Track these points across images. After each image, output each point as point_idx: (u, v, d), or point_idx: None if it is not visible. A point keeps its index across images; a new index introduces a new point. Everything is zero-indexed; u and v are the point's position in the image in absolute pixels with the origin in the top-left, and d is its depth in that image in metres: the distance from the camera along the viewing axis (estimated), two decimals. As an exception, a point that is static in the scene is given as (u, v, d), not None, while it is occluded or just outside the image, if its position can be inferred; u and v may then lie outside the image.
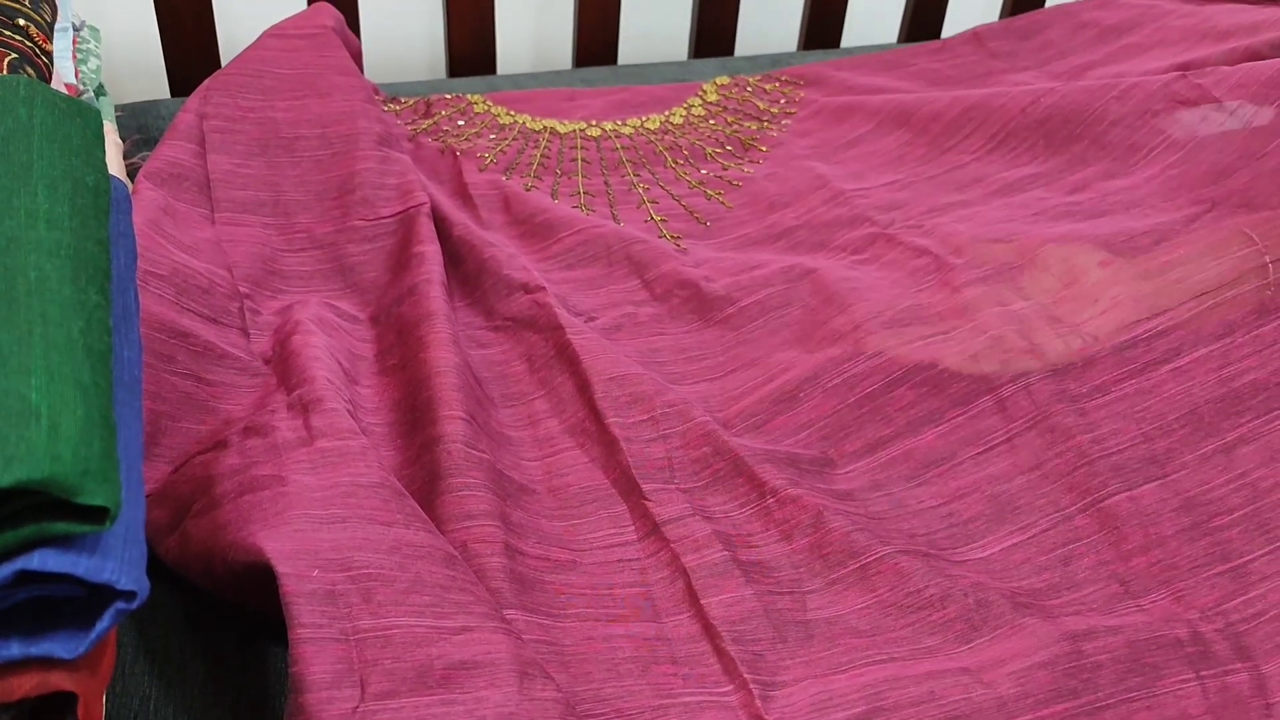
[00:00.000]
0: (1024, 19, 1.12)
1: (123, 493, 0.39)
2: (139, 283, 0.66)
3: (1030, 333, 0.73)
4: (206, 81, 0.85)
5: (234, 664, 0.57)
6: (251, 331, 0.71)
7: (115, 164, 0.76)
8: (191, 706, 0.54)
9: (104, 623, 0.39)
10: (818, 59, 1.15)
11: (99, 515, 0.37)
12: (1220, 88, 0.83)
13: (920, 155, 0.92)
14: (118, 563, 0.39)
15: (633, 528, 0.65)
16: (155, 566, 0.57)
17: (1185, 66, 0.94)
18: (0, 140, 0.47)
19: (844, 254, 0.83)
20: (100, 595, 0.39)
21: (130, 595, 0.39)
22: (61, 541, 0.38)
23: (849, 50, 1.17)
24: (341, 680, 0.48)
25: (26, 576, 0.38)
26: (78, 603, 0.40)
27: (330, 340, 0.70)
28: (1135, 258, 0.75)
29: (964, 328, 0.73)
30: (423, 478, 0.63)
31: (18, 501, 0.37)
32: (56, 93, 0.52)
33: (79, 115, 0.51)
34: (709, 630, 0.59)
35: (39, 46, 0.64)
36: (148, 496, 0.60)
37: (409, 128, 0.96)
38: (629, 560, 0.63)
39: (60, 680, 0.39)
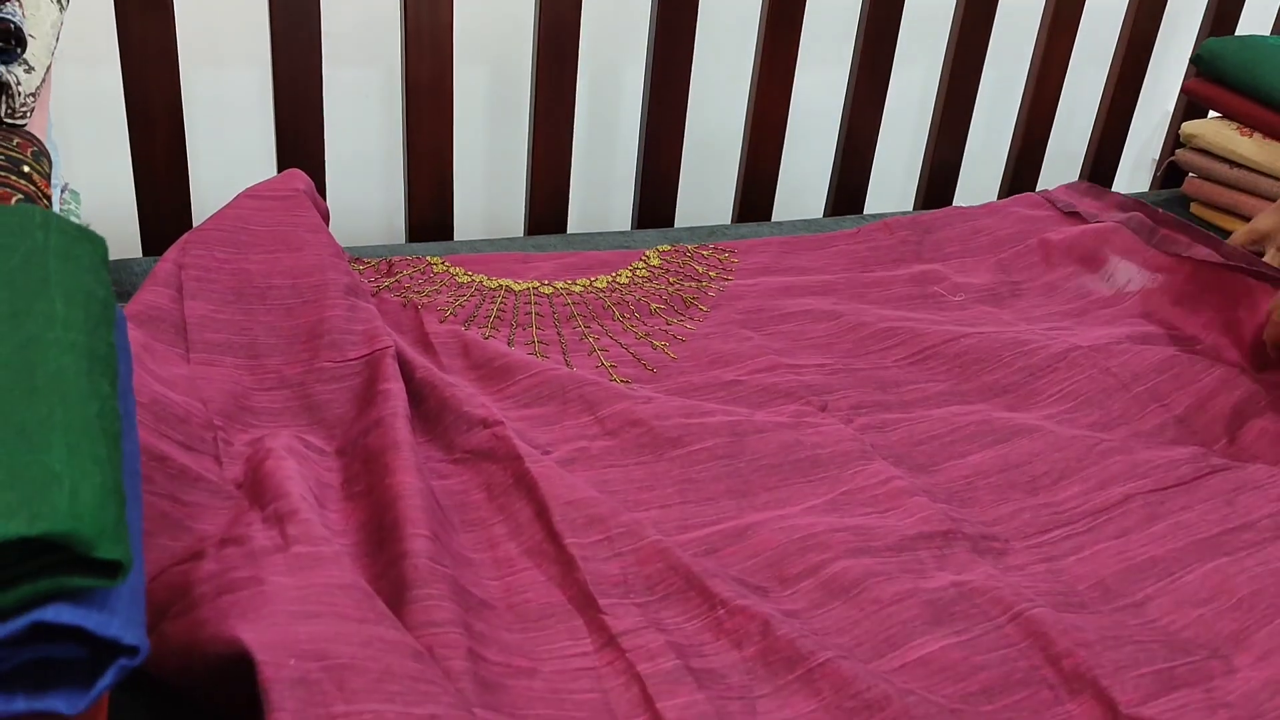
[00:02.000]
0: (926, 216, 1.25)
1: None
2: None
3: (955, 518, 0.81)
4: (185, 235, 0.90)
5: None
6: (224, 460, 0.75)
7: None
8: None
9: (107, 678, 0.41)
10: (751, 230, 1.24)
11: (112, 570, 0.41)
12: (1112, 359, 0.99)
13: (847, 349, 1.01)
14: (123, 620, 0.42)
15: (589, 640, 0.68)
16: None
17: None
18: (22, 257, 0.52)
19: (783, 416, 0.90)
20: (102, 656, 0.42)
21: (133, 651, 0.42)
22: (74, 596, 0.41)
23: (779, 223, 1.27)
24: (317, 763, 0.50)
25: (38, 631, 0.40)
26: (77, 664, 0.42)
27: (300, 467, 0.73)
28: (1037, 492, 0.85)
29: (898, 509, 0.80)
30: (389, 591, 0.66)
31: (36, 560, 0.40)
32: (67, 220, 0.57)
33: (89, 240, 0.57)
34: None
35: (41, 191, 0.70)
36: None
37: (372, 285, 1.02)
38: (586, 669, 0.66)
39: (59, 738, 0.41)
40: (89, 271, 0.54)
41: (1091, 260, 1.17)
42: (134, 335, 0.79)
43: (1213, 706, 0.65)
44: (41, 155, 0.76)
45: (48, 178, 0.73)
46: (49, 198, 0.70)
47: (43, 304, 0.49)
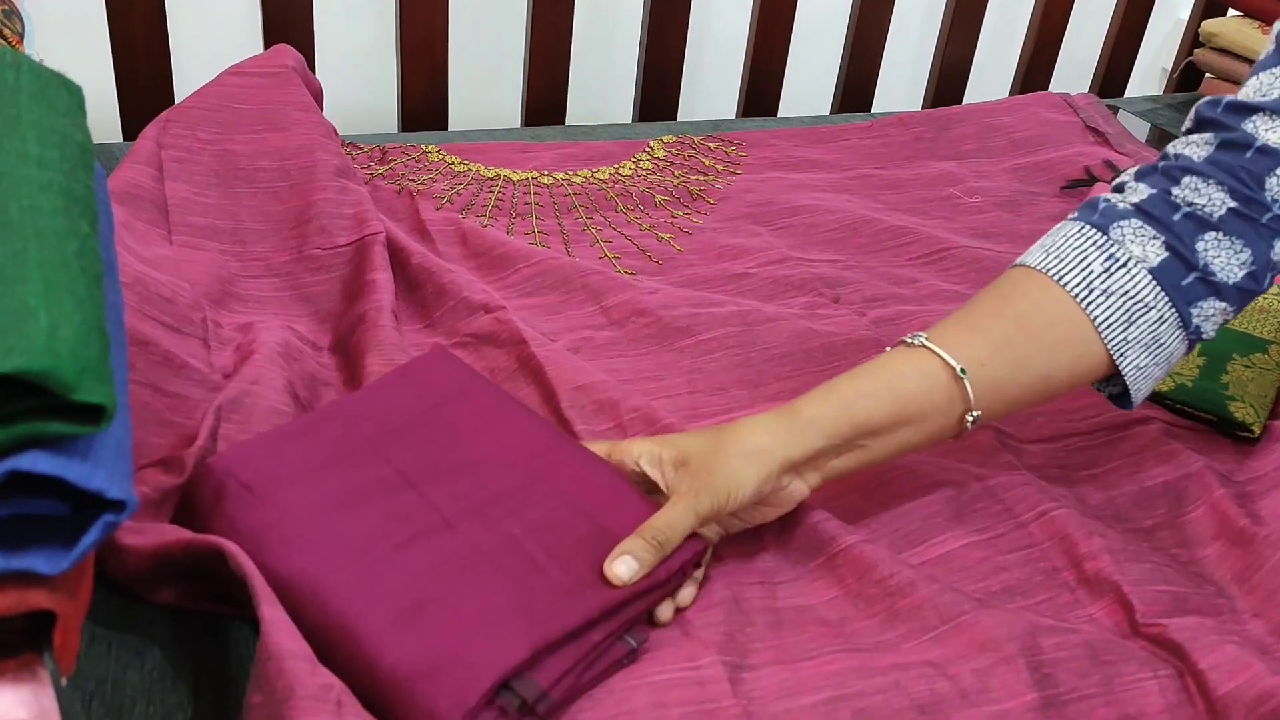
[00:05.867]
0: (942, 112, 1.20)
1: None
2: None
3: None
4: (165, 113, 0.85)
5: (192, 649, 0.55)
6: (213, 344, 0.71)
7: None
8: (150, 690, 0.52)
9: (92, 535, 0.38)
10: (756, 126, 1.19)
11: (94, 416, 0.37)
12: None
13: (860, 245, 0.96)
14: (108, 472, 0.38)
15: (600, 529, 0.64)
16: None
17: None
18: (-12, 94, 0.47)
19: (795, 308, 0.86)
20: (85, 513, 0.39)
21: (119, 506, 0.38)
22: (54, 444, 0.37)
23: (785, 120, 1.22)
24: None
25: (15, 482, 0.37)
26: (60, 522, 0.39)
27: (287, 368, 0.69)
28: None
29: None
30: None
31: (12, 403, 0.36)
32: (40, 64, 0.52)
33: (64, 85, 0.52)
34: (677, 614, 0.59)
35: (12, 46, 0.65)
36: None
37: (365, 172, 0.98)
38: (597, 557, 0.63)
39: (39, 599, 0.38)
40: (64, 115, 0.50)
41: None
42: (114, 212, 0.74)
43: (1224, 633, 0.62)
44: (12, 14, 0.71)
45: (21, 36, 0.68)
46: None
47: (14, 141, 0.45)
